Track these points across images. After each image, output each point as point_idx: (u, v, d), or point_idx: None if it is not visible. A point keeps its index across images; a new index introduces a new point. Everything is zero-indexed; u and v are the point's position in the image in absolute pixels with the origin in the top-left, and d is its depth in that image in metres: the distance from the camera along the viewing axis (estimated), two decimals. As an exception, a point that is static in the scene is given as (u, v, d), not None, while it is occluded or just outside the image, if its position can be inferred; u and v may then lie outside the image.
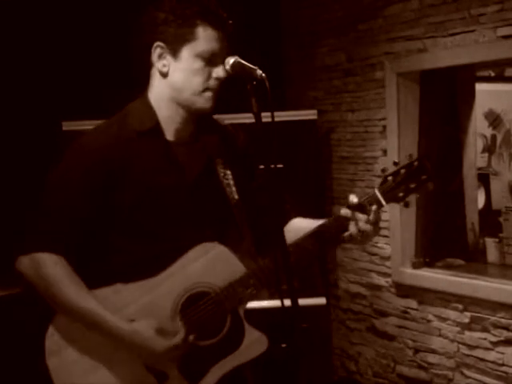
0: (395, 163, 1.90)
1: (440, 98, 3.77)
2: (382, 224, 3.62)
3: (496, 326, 3.29)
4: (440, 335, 3.60)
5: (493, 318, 3.30)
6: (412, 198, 1.92)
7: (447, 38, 3.35)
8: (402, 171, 1.89)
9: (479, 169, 4.16)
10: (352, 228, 1.89)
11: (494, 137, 4.53)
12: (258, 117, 1.70)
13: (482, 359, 3.39)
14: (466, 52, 3.26)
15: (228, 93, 2.02)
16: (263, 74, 1.73)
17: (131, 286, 1.91)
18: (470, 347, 3.44)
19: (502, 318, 3.26)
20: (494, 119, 4.51)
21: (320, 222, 1.98)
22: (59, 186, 1.94)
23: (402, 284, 3.78)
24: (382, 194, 1.89)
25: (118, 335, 1.87)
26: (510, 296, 3.20)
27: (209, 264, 1.91)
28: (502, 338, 3.28)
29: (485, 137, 4.50)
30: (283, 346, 3.11)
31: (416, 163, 1.89)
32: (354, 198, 1.89)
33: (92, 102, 3.48)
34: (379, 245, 3.89)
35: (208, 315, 1.90)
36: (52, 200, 1.93)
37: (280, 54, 4.52)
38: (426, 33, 3.46)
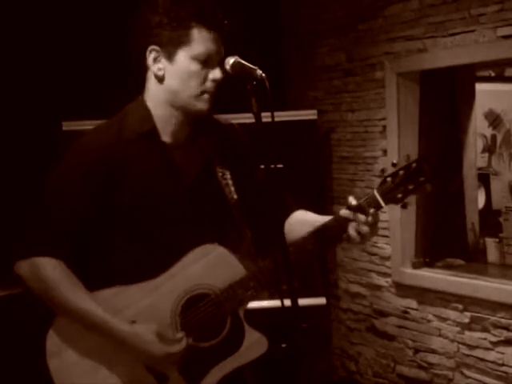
0: (393, 164, 1.91)
1: (440, 97, 3.77)
2: (382, 224, 3.64)
3: (496, 326, 3.29)
4: (440, 335, 3.60)
5: (493, 318, 3.30)
6: (410, 199, 1.93)
7: (447, 38, 3.35)
8: (401, 172, 1.90)
9: (479, 169, 4.16)
10: (351, 229, 1.90)
11: (494, 137, 4.53)
12: (257, 117, 1.70)
13: (481, 359, 3.39)
14: (466, 52, 3.26)
15: (228, 93, 2.02)
16: (263, 74, 1.72)
17: (131, 288, 1.91)
18: (470, 347, 3.44)
19: (502, 318, 3.26)
20: (494, 119, 4.51)
21: (321, 218, 2.00)
22: (59, 186, 1.94)
23: (402, 284, 3.78)
24: (381, 195, 1.90)
25: (118, 337, 1.87)
26: (510, 296, 3.20)
27: (209, 266, 1.91)
28: (502, 338, 3.28)
29: (485, 137, 4.50)
30: (283, 345, 3.12)
31: (414, 165, 1.90)
32: (353, 200, 1.90)
33: (92, 102, 3.48)
34: (379, 245, 3.89)
35: (208, 317, 1.90)
36: (52, 200, 1.93)
37: (280, 54, 4.52)
38: (426, 33, 3.46)
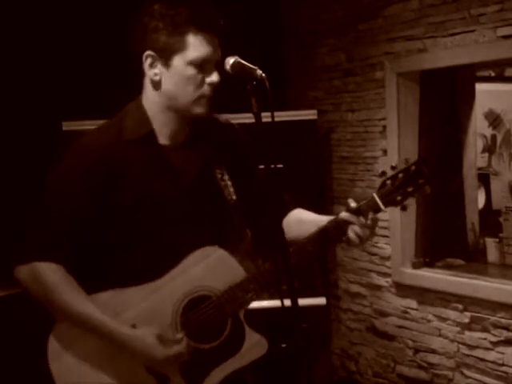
0: (393, 167, 1.92)
1: (440, 97, 3.77)
2: (382, 224, 3.65)
3: (496, 326, 3.29)
4: (440, 335, 3.60)
5: (493, 318, 3.31)
6: (410, 202, 1.95)
7: (447, 38, 3.35)
8: (400, 175, 1.91)
9: (479, 169, 4.16)
10: (351, 232, 1.91)
11: (494, 137, 4.53)
12: (258, 117, 1.70)
13: (482, 359, 3.39)
14: (466, 52, 3.26)
15: (228, 93, 2.01)
16: (263, 74, 1.72)
17: (131, 290, 1.91)
18: (470, 347, 3.44)
19: (502, 318, 3.26)
20: (494, 119, 4.51)
21: (318, 216, 2.02)
22: (59, 186, 1.93)
23: (402, 284, 3.78)
24: (381, 197, 1.92)
25: (118, 339, 1.87)
26: (510, 296, 3.20)
27: (209, 268, 1.91)
28: (501, 338, 3.28)
29: (485, 137, 4.50)
30: (283, 345, 3.12)
31: (413, 167, 1.91)
32: (352, 203, 1.92)
33: (92, 102, 3.48)
34: (379, 245, 3.89)
35: (209, 319, 1.91)
36: (51, 201, 1.93)
37: (280, 54, 4.52)
38: (426, 33, 3.46)
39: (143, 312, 1.90)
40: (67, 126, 3.54)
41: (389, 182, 1.92)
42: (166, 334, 1.88)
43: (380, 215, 1.95)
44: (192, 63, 1.85)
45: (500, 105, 4.50)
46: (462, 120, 3.87)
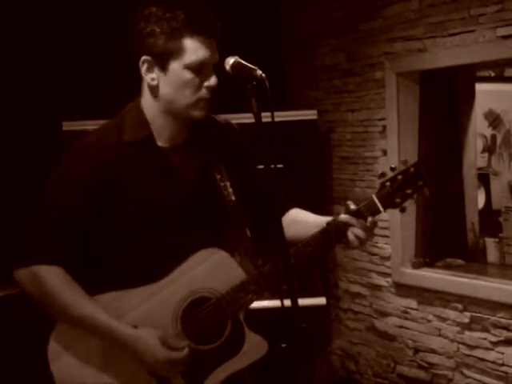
0: (392, 168, 1.93)
1: (440, 98, 3.77)
2: (382, 224, 3.65)
3: (496, 326, 3.29)
4: (440, 335, 3.60)
5: (493, 318, 3.31)
6: (408, 204, 1.95)
7: (447, 38, 3.35)
8: (399, 177, 1.92)
9: (479, 169, 4.16)
10: (350, 234, 1.92)
11: (493, 137, 4.53)
12: (257, 117, 1.70)
13: (481, 359, 3.39)
14: (466, 52, 3.26)
15: (228, 93, 2.01)
16: (263, 74, 1.71)
17: (131, 292, 1.91)
18: (470, 347, 3.44)
19: (502, 318, 3.26)
20: (494, 119, 4.51)
21: (315, 216, 2.04)
22: (59, 188, 1.93)
23: (402, 284, 3.78)
24: (380, 200, 1.92)
25: (120, 340, 1.87)
26: (510, 296, 3.20)
27: (210, 270, 1.91)
28: (501, 338, 3.28)
29: (485, 137, 4.50)
30: (283, 345, 3.12)
31: (412, 169, 1.92)
32: (351, 205, 1.93)
33: (92, 102, 3.48)
34: (379, 245, 3.89)
35: (209, 320, 1.91)
36: (51, 202, 1.92)
37: (280, 54, 4.52)
38: (426, 33, 3.46)
39: (144, 314, 1.90)
40: (67, 126, 3.54)
41: (388, 183, 1.92)
42: (167, 336, 1.88)
43: (380, 215, 1.95)
44: (189, 67, 1.84)
45: (500, 105, 4.50)
46: (461, 120, 3.87)
